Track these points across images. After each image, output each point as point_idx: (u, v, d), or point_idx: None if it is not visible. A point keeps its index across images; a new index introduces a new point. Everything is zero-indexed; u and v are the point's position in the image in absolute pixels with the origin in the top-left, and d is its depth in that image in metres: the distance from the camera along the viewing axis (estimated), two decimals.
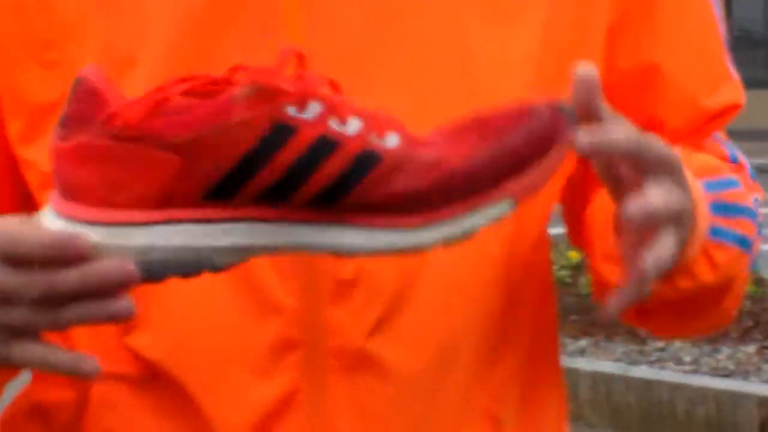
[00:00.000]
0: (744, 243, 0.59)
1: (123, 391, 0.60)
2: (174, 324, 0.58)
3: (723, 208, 0.57)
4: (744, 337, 3.60)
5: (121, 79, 0.53)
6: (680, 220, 0.49)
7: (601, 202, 0.57)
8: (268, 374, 0.58)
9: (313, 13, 0.56)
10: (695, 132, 0.64)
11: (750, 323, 3.72)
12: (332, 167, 0.43)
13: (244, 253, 0.46)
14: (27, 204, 0.61)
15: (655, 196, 0.47)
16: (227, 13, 0.56)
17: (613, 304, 0.51)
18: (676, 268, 0.52)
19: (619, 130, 0.47)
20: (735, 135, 0.76)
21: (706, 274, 0.57)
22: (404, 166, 0.45)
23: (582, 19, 0.61)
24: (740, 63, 0.79)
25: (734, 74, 0.68)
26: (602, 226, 0.58)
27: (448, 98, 0.55)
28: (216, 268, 0.46)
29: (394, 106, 0.49)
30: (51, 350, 0.49)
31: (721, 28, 0.67)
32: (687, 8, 0.66)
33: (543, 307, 0.66)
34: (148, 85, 0.47)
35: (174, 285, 0.49)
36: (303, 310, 0.57)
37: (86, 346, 0.58)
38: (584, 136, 0.46)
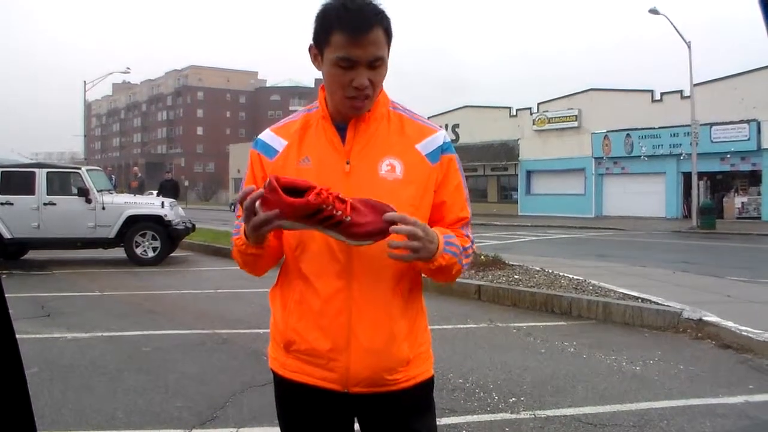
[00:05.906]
0: (455, 255, 1.50)
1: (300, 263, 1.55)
2: (309, 257, 1.53)
3: (449, 244, 1.49)
4: (470, 268, 8.98)
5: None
6: (424, 243, 1.40)
7: None
8: (339, 278, 1.51)
9: (351, 183, 1.49)
10: (455, 223, 1.59)
11: (474, 263, 9.23)
12: (332, 221, 1.39)
13: (297, 228, 1.42)
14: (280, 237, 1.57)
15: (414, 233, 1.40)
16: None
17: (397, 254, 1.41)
18: (435, 259, 1.45)
19: (412, 221, 1.39)
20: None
21: (442, 261, 1.47)
22: (350, 225, 1.39)
23: (426, 187, 1.54)
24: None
25: (469, 206, 1.62)
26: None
27: (388, 201, 1.43)
28: (286, 229, 1.44)
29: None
30: (270, 234, 1.45)
31: (466, 190, 1.62)
32: (457, 182, 1.59)
33: (419, 273, 1.60)
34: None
35: (309, 248, 1.51)
36: (345, 262, 1.50)
37: (292, 251, 1.56)
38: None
